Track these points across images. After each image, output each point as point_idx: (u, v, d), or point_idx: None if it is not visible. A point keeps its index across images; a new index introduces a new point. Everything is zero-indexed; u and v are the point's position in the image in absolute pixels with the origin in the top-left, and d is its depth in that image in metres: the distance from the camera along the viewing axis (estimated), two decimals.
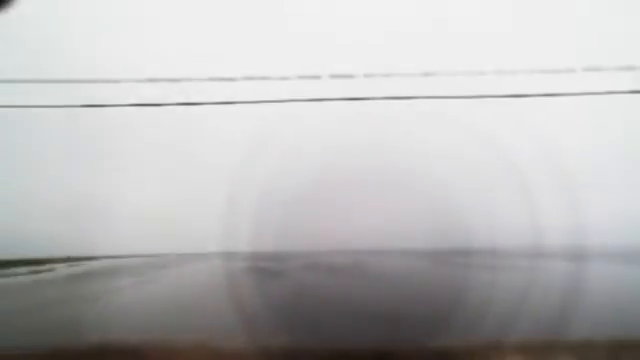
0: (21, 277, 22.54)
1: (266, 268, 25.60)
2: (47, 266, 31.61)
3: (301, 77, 11.18)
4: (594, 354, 5.27)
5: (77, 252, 40.08)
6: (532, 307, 9.13)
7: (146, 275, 23.22)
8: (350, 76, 11.53)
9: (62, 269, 29.40)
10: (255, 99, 11.40)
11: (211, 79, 11.25)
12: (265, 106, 12.02)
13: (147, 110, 11.74)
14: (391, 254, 45.76)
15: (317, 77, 11.32)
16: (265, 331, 7.34)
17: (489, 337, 6.50)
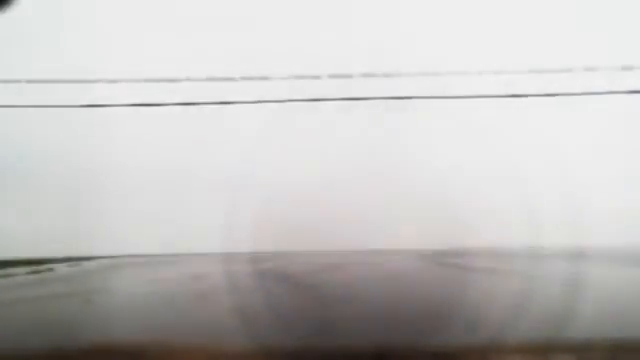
0: (21, 277, 22.54)
1: (265, 268, 25.60)
2: (47, 266, 31.60)
3: (301, 77, 11.20)
4: (594, 354, 5.27)
5: (77, 252, 40.09)
6: (532, 307, 9.13)
7: (146, 275, 23.22)
8: (350, 76, 11.55)
9: (62, 269, 29.40)
10: (255, 99, 11.41)
11: (211, 79, 11.27)
12: (265, 106, 12.04)
13: (147, 110, 11.76)
14: (390, 254, 45.75)
15: (317, 77, 11.33)
16: (265, 331, 7.35)
17: (489, 337, 6.50)
